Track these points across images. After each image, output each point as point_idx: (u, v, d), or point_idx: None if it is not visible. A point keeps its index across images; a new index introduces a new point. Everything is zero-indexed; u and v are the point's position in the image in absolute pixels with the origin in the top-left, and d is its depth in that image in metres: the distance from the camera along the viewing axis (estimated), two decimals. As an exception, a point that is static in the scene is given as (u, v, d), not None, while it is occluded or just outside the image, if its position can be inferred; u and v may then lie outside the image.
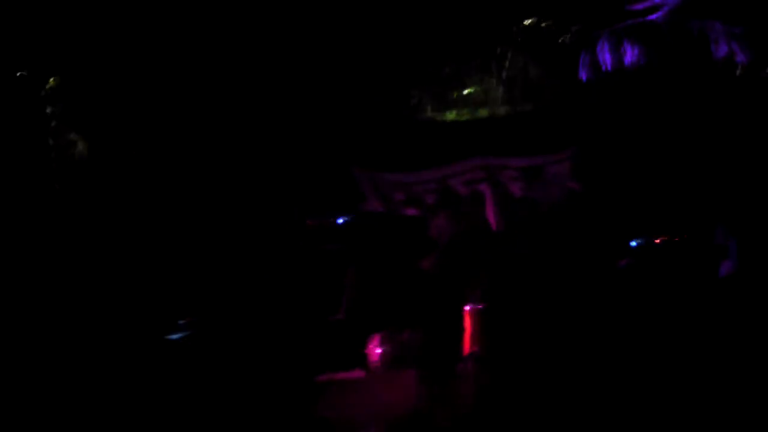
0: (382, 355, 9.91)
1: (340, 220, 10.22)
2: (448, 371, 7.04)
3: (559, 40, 10.46)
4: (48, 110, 7.11)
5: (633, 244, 9.73)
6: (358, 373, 9.98)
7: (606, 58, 10.08)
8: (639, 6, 10.04)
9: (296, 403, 7.24)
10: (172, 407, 6.31)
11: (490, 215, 10.35)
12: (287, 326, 7.73)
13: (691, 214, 9.39)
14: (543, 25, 10.59)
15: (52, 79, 7.01)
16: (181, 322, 6.77)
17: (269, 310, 7.40)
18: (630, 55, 9.98)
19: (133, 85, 6.93)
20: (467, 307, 9.11)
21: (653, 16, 9.94)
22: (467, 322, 8.95)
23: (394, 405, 8.25)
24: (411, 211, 10.44)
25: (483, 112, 10.70)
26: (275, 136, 8.67)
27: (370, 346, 9.97)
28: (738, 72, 9.29)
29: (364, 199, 10.40)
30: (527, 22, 10.64)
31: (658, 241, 9.58)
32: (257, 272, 7.52)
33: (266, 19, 8.67)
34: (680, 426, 6.06)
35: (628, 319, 8.51)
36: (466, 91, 10.82)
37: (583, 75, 10.24)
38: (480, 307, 9.16)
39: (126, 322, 6.66)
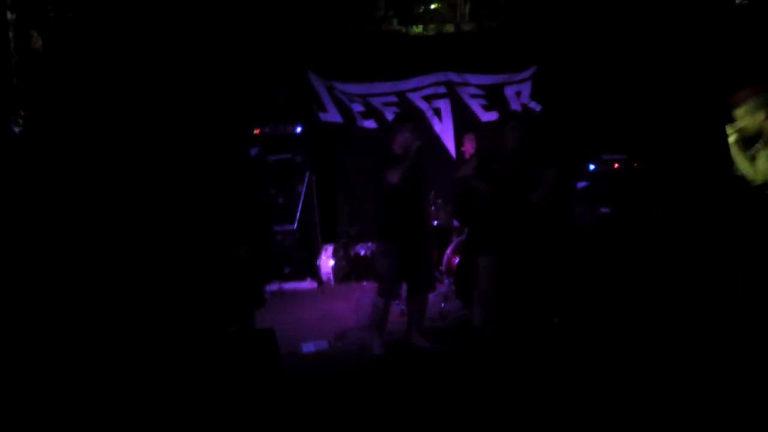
0: (334, 267, 9.94)
1: (298, 129, 10.09)
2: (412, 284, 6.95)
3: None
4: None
5: (591, 167, 9.72)
6: (309, 284, 10.03)
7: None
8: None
9: (243, 314, 7.18)
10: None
11: (449, 132, 10.33)
12: (233, 236, 7.61)
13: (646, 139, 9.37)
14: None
15: None
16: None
17: (214, 218, 7.26)
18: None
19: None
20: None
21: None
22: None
23: (344, 316, 8.29)
24: (370, 124, 10.35)
25: (448, 28, 10.56)
26: (231, 37, 8.43)
27: (323, 258, 9.99)
28: None
29: (323, 109, 10.26)
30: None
31: (616, 165, 9.56)
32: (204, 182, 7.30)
33: None
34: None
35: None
36: (433, 6, 10.65)
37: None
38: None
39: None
